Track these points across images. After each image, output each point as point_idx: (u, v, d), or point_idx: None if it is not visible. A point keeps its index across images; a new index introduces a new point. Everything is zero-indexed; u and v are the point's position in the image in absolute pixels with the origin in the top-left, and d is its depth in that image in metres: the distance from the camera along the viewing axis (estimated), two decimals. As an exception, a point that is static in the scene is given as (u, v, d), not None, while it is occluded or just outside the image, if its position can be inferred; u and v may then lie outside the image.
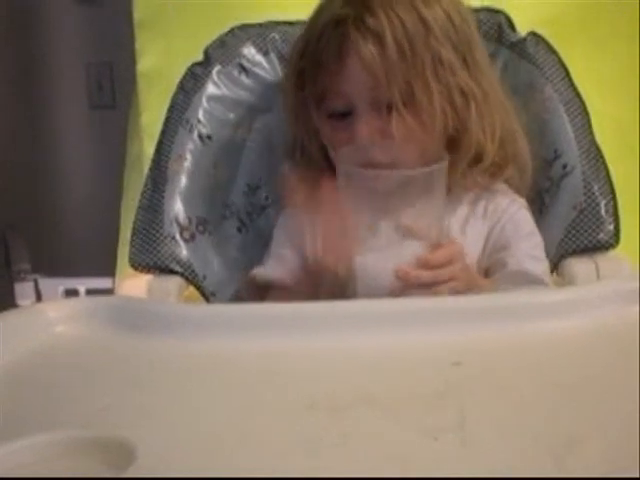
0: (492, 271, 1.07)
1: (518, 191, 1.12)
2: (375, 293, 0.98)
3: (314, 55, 1.07)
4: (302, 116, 1.12)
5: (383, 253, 0.99)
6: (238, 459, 0.60)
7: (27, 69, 2.56)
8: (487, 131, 1.07)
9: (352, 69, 1.04)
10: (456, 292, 0.98)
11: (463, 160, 1.07)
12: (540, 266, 1.06)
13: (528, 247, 1.07)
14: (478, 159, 1.08)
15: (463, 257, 1.01)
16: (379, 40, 1.01)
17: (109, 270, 1.62)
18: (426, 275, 0.97)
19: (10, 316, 0.85)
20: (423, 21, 1.03)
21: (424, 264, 0.98)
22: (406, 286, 0.97)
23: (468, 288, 0.99)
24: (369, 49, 1.02)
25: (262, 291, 1.11)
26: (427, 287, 0.97)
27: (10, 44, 2.54)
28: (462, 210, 1.09)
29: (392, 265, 0.97)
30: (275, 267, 1.11)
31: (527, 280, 1.04)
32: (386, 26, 1.01)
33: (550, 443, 0.58)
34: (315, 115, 1.10)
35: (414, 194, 0.97)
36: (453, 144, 1.08)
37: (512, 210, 1.09)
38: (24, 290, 2.33)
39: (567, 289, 1.00)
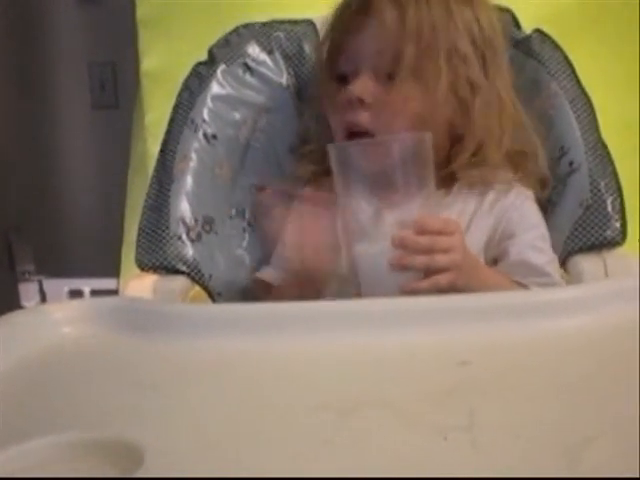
0: (497, 262, 1.07)
1: (531, 187, 1.12)
2: (377, 282, 0.97)
3: (337, 15, 1.11)
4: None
5: (381, 242, 0.97)
6: (246, 460, 0.60)
7: (30, 69, 2.56)
8: (494, 130, 1.07)
9: (368, 29, 1.06)
10: (456, 267, 0.95)
11: (464, 153, 1.07)
12: (543, 257, 1.06)
13: (531, 237, 1.07)
14: (482, 156, 1.08)
15: (462, 232, 0.99)
16: (402, 10, 1.04)
17: (114, 270, 1.62)
18: (424, 240, 0.95)
19: (15, 317, 0.85)
20: (449, 11, 1.05)
21: (420, 228, 0.95)
22: (403, 256, 0.94)
23: (468, 268, 0.97)
24: (390, 14, 1.04)
25: (265, 293, 1.11)
26: (426, 254, 0.94)
27: (13, 44, 2.54)
28: (469, 206, 1.10)
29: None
30: (276, 269, 1.12)
31: (527, 270, 1.04)
32: (413, 1, 1.04)
33: (562, 442, 0.58)
34: (325, 77, 1.12)
35: (404, 168, 0.96)
36: (457, 138, 1.08)
37: (518, 202, 1.09)
38: (29, 291, 2.33)
39: (575, 287, 1.00)
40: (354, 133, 1.05)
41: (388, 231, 0.96)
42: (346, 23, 1.09)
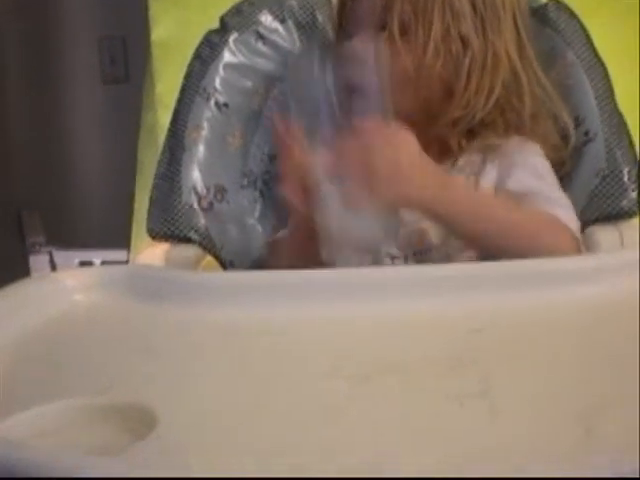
0: None
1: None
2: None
3: None
4: None
5: None
6: (257, 426, 0.60)
7: (39, 45, 2.55)
8: (483, 86, 1.06)
9: None
10: (402, 170, 0.92)
11: (454, 109, 1.06)
12: (543, 183, 1.04)
13: (520, 174, 1.05)
14: (472, 115, 1.07)
15: (414, 144, 0.94)
16: None
17: (124, 242, 1.61)
18: (356, 140, 0.92)
19: (27, 285, 0.85)
20: None
21: (353, 132, 0.92)
22: (337, 160, 0.92)
23: (430, 179, 0.94)
24: None
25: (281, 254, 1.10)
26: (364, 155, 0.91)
27: (22, 20, 2.53)
28: (474, 168, 1.08)
29: None
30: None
31: (527, 195, 1.02)
32: None
33: (579, 408, 0.58)
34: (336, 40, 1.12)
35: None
36: (449, 95, 1.07)
37: (517, 148, 1.08)
38: (39, 262, 2.33)
39: (590, 256, 0.99)
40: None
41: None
42: None
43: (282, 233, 1.13)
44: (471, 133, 1.08)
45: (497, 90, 1.06)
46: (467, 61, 1.05)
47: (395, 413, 0.60)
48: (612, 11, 1.44)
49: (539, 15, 1.18)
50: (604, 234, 1.05)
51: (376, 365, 0.67)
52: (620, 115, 1.12)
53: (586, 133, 1.11)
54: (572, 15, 1.17)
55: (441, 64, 1.04)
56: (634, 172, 1.08)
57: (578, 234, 1.01)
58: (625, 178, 1.08)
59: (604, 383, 0.63)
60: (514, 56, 1.08)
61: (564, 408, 0.59)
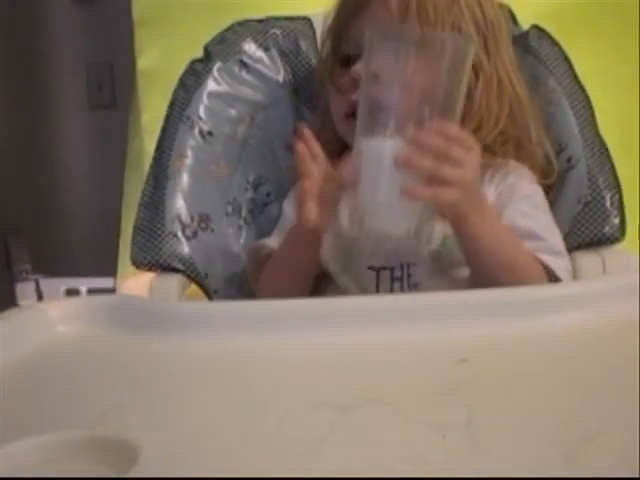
0: None
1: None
2: (379, 179, 0.93)
3: (341, 3, 1.12)
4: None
5: (395, 139, 0.93)
6: (242, 460, 0.59)
7: (27, 70, 2.56)
8: (492, 111, 1.07)
9: (372, 11, 1.06)
10: (462, 184, 0.92)
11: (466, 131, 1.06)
12: (532, 221, 1.04)
13: (521, 206, 1.06)
14: (479, 137, 1.07)
15: (479, 153, 0.95)
16: None
17: (110, 270, 1.61)
18: (437, 142, 0.91)
19: (11, 315, 0.85)
20: None
21: (439, 130, 0.92)
22: (412, 154, 0.91)
23: (475, 198, 0.95)
24: None
25: (262, 262, 1.11)
26: (436, 159, 0.91)
27: (10, 45, 2.54)
28: None
29: None
30: (276, 238, 1.12)
31: (517, 234, 1.02)
32: None
33: (561, 440, 0.58)
34: (329, 62, 1.12)
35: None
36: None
37: (512, 178, 1.08)
38: (25, 290, 2.32)
39: (573, 283, 0.99)
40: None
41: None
42: (351, 6, 1.09)
43: (263, 241, 1.13)
44: None
45: (505, 112, 1.08)
46: (480, 85, 1.06)
47: (378, 444, 0.60)
48: (594, 35, 1.45)
49: (521, 42, 1.19)
50: (586, 260, 1.05)
51: (361, 395, 0.67)
52: (602, 141, 1.13)
53: (569, 160, 1.12)
54: (553, 42, 1.18)
55: None
56: (616, 198, 1.09)
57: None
58: (607, 204, 1.08)
59: (587, 413, 0.62)
60: (513, 77, 1.10)
61: (546, 439, 0.58)
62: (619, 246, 1.08)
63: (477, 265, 1.00)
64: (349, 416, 0.64)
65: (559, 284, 1.00)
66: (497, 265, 0.97)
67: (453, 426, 0.61)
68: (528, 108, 1.11)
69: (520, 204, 1.06)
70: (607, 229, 1.07)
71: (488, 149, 1.08)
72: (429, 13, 1.03)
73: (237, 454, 0.60)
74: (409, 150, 0.91)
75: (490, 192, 1.07)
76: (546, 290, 0.86)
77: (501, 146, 1.09)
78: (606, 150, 1.12)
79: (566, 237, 1.08)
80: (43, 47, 2.56)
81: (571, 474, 0.54)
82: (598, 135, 1.13)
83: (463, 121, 1.05)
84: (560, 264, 1.02)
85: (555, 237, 1.05)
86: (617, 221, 1.07)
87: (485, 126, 1.07)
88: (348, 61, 1.08)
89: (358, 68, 1.04)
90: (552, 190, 1.13)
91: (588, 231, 1.07)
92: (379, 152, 0.93)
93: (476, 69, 1.05)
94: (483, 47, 1.07)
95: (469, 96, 1.05)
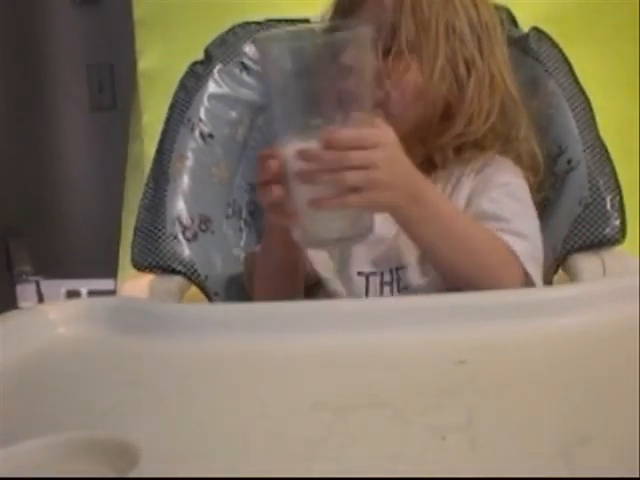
0: None
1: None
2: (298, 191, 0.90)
3: (337, 4, 1.12)
4: None
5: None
6: (242, 460, 0.59)
7: (28, 71, 2.56)
8: (484, 108, 1.07)
9: (366, 9, 1.06)
10: (374, 185, 0.88)
11: (455, 128, 1.07)
12: (499, 206, 1.03)
13: (494, 192, 1.05)
14: (469, 135, 1.08)
15: (391, 146, 0.90)
16: None
17: (111, 271, 1.61)
18: (328, 155, 0.86)
19: (12, 317, 0.85)
20: None
21: (328, 143, 0.86)
22: (306, 169, 0.87)
23: (413, 189, 0.91)
24: None
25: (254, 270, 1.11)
26: (335, 172, 0.86)
27: (11, 46, 2.54)
28: (453, 177, 1.09)
29: None
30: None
31: (483, 219, 1.02)
32: None
33: (559, 441, 0.58)
34: None
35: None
36: (448, 115, 1.08)
37: (492, 169, 1.08)
38: (26, 292, 2.33)
39: (573, 285, 0.99)
40: None
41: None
42: (346, 5, 1.10)
43: (256, 248, 1.13)
44: (458, 149, 1.09)
45: (496, 109, 1.08)
46: (472, 82, 1.07)
47: (377, 445, 0.60)
48: (595, 37, 1.45)
49: (521, 45, 1.19)
50: (587, 262, 1.05)
51: (360, 396, 0.67)
52: (602, 143, 1.13)
53: (569, 162, 1.12)
54: (554, 44, 1.18)
55: (446, 85, 1.06)
56: (617, 200, 1.09)
57: (534, 267, 1.00)
58: (608, 206, 1.08)
59: (587, 415, 0.63)
60: (507, 74, 1.10)
61: (546, 440, 0.58)
62: (619, 248, 1.08)
63: (432, 256, 0.98)
64: (348, 417, 0.64)
65: (558, 286, 1.01)
66: (450, 250, 0.95)
67: (453, 427, 0.61)
68: (520, 106, 1.11)
69: (492, 192, 1.05)
70: (608, 231, 1.07)
71: (477, 144, 1.09)
72: (424, 11, 1.04)
73: (237, 455, 0.60)
74: (303, 165, 0.87)
75: (467, 185, 1.07)
76: (545, 292, 0.87)
77: (491, 141, 1.09)
78: (606, 152, 1.12)
79: (566, 239, 1.08)
80: (44, 48, 2.56)
81: (571, 474, 0.54)
82: (598, 137, 1.13)
83: (455, 116, 1.06)
84: (523, 246, 0.99)
85: (523, 222, 1.02)
86: (617, 223, 1.07)
87: (476, 121, 1.07)
88: None
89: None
90: (543, 188, 1.12)
91: (589, 233, 1.07)
92: (288, 162, 0.89)
93: (468, 66, 1.06)
94: (477, 46, 1.07)
95: (461, 91, 1.06)
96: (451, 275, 0.97)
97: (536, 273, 1.00)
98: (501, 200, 1.04)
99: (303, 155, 0.87)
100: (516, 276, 0.98)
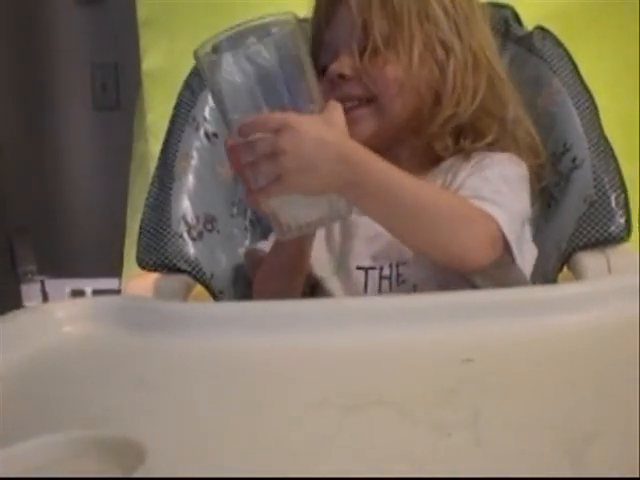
0: None
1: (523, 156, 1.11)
2: None
3: (315, 13, 1.13)
4: None
5: None
6: (248, 459, 0.59)
7: (31, 71, 2.56)
8: (469, 87, 1.07)
9: (338, 15, 1.07)
10: (288, 171, 0.86)
11: (443, 111, 1.07)
12: (482, 183, 1.02)
13: (486, 172, 1.04)
14: (460, 115, 1.08)
15: (298, 127, 0.87)
16: None
17: (115, 270, 1.62)
18: (241, 148, 0.87)
19: (18, 316, 0.85)
20: None
21: (237, 132, 0.87)
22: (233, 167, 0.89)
23: (323, 167, 0.88)
24: None
25: (256, 266, 1.11)
26: (252, 166, 0.87)
27: (14, 46, 2.54)
28: (452, 169, 1.09)
29: None
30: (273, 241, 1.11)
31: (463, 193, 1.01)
32: None
33: (565, 439, 0.58)
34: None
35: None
36: (437, 99, 1.08)
37: (495, 158, 1.07)
38: (31, 291, 2.33)
39: (578, 283, 0.99)
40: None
41: None
42: (321, 17, 1.11)
43: (257, 245, 1.14)
44: (457, 136, 1.09)
45: (482, 87, 1.08)
46: (451, 64, 1.07)
47: (382, 443, 0.60)
48: (598, 36, 1.45)
49: (525, 43, 1.19)
50: (592, 260, 1.05)
51: (366, 395, 0.67)
52: (607, 141, 1.13)
53: (573, 160, 1.12)
54: (558, 43, 1.18)
55: (427, 71, 1.06)
56: (622, 198, 1.09)
57: (509, 234, 0.97)
58: (613, 204, 1.08)
59: (592, 413, 0.63)
60: (490, 54, 1.10)
61: (552, 438, 0.59)
62: (624, 246, 1.08)
63: (384, 222, 0.96)
64: (355, 416, 0.64)
65: (563, 284, 1.01)
66: (400, 209, 0.93)
67: (459, 424, 0.61)
68: (508, 84, 1.11)
69: (485, 171, 1.05)
70: (613, 229, 1.07)
71: (474, 128, 1.09)
72: (394, 5, 1.05)
73: (244, 453, 0.60)
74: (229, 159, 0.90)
75: (464, 173, 1.07)
76: (550, 290, 0.86)
77: (487, 123, 1.09)
78: (611, 150, 1.12)
79: (571, 237, 1.08)
80: (48, 48, 2.57)
81: (577, 472, 0.54)
82: (603, 135, 1.13)
83: (441, 100, 1.06)
84: (498, 213, 0.97)
85: (506, 198, 1.00)
86: (622, 221, 1.07)
87: (463, 101, 1.07)
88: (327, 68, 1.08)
89: (332, 68, 1.05)
90: (544, 176, 1.12)
91: (594, 231, 1.07)
92: None
93: (447, 50, 1.07)
94: (454, 28, 1.07)
95: (443, 75, 1.07)
96: (415, 245, 0.97)
97: (515, 243, 0.98)
98: (491, 179, 1.03)
99: (230, 150, 0.89)
100: (485, 233, 0.96)
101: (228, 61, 0.88)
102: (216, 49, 0.87)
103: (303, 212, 0.90)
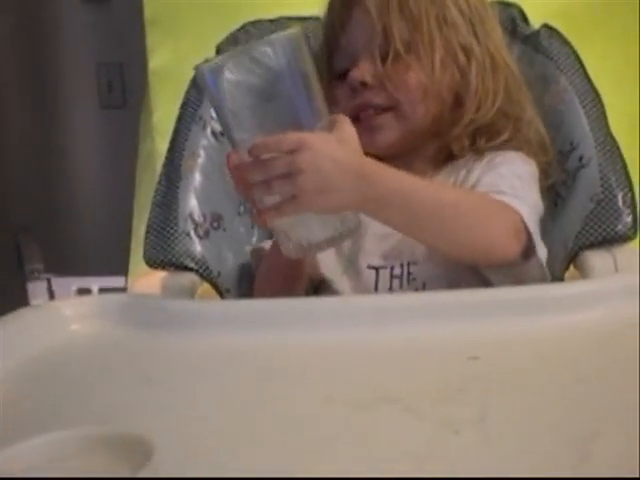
0: None
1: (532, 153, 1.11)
2: None
3: (327, 16, 1.12)
4: None
5: None
6: (255, 455, 0.60)
7: (38, 70, 2.57)
8: (489, 89, 1.08)
9: (355, 20, 1.07)
10: (305, 192, 0.84)
11: (466, 115, 1.07)
12: (499, 179, 1.03)
13: (501, 168, 1.05)
14: (480, 119, 1.08)
15: (315, 146, 0.84)
16: None
17: (122, 269, 1.62)
18: (251, 167, 0.85)
19: (24, 314, 0.86)
20: None
21: (250, 153, 0.85)
22: (244, 184, 0.86)
23: (340, 187, 0.86)
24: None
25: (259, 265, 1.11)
26: (264, 186, 0.85)
27: (21, 45, 2.55)
28: (466, 167, 1.09)
29: None
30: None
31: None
32: None
33: (572, 436, 0.58)
34: (327, 79, 1.10)
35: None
36: (458, 102, 1.08)
37: (499, 159, 1.08)
38: (37, 289, 2.33)
39: (584, 282, 0.99)
40: (363, 113, 1.06)
41: None
42: (335, 21, 1.10)
43: (262, 244, 1.15)
44: (473, 137, 1.10)
45: (501, 89, 1.08)
46: (473, 68, 1.07)
47: (391, 440, 0.60)
48: (604, 35, 1.45)
49: (532, 41, 1.19)
50: (599, 259, 1.05)
51: (374, 393, 0.67)
52: (614, 140, 1.12)
53: (580, 158, 1.12)
54: (565, 41, 1.18)
55: (449, 75, 1.06)
56: (628, 197, 1.08)
57: (531, 226, 0.98)
58: (619, 203, 1.08)
59: (598, 410, 0.63)
60: (505, 54, 1.11)
61: (558, 435, 0.59)
62: (631, 244, 1.08)
63: (409, 232, 0.96)
64: (362, 414, 0.64)
65: (570, 283, 1.01)
66: (424, 216, 0.92)
67: (465, 422, 0.61)
68: (522, 84, 1.11)
69: (499, 168, 1.05)
70: (620, 227, 1.07)
71: (490, 129, 1.09)
72: (412, 9, 1.04)
73: (250, 451, 0.60)
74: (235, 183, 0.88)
75: (477, 171, 1.07)
76: (557, 289, 0.87)
77: (503, 124, 1.09)
78: (617, 149, 1.12)
79: (578, 235, 1.07)
80: (54, 47, 2.57)
81: (584, 470, 0.54)
82: (609, 134, 1.13)
83: (464, 104, 1.07)
84: (521, 206, 0.98)
85: (523, 192, 1.01)
86: (629, 219, 1.07)
87: (484, 104, 1.08)
88: (344, 75, 1.08)
89: (353, 75, 1.05)
90: (551, 173, 1.12)
91: (601, 229, 1.07)
92: None
93: (467, 52, 1.07)
94: (471, 31, 1.08)
95: (465, 79, 1.07)
96: (443, 246, 0.96)
97: (536, 237, 0.98)
98: (506, 176, 1.04)
99: (236, 169, 0.87)
100: (509, 224, 0.96)
101: (230, 78, 0.86)
102: (218, 68, 0.86)
103: (315, 231, 0.89)
